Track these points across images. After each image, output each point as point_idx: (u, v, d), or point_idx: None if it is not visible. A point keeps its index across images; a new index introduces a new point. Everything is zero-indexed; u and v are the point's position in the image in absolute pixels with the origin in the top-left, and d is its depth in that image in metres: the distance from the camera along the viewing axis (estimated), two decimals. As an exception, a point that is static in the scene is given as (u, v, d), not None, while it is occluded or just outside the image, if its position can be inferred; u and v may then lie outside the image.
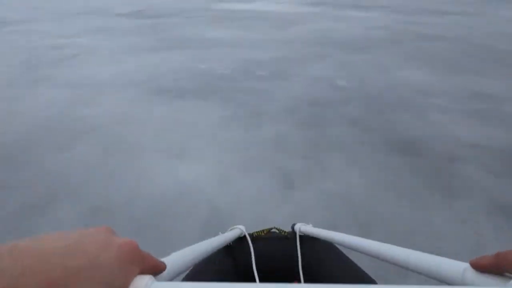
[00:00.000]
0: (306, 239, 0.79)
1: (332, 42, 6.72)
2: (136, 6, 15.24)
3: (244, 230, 0.79)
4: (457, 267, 0.30)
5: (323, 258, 0.73)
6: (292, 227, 0.84)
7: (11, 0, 18.92)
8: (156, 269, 0.32)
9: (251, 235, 0.81)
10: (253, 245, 0.77)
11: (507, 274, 0.26)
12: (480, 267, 0.29)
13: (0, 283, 0.19)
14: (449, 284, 0.30)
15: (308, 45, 6.55)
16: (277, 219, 1.99)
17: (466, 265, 0.30)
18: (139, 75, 4.89)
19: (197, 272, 0.70)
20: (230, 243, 0.78)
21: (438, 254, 1.84)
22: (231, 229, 0.80)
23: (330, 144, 2.85)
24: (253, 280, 0.69)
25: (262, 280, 0.72)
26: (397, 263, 0.39)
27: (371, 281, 0.66)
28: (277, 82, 4.47)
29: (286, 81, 4.49)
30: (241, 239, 0.79)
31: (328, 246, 0.77)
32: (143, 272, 0.29)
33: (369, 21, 9.01)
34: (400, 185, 2.35)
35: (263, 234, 0.83)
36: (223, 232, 0.84)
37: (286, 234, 0.82)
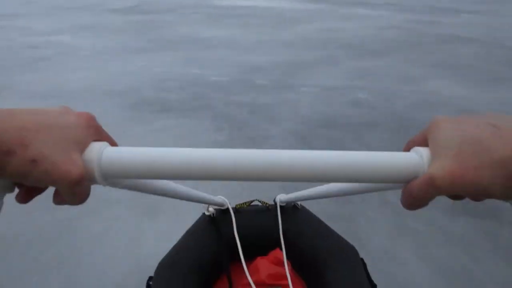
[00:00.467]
0: (287, 209, 0.79)
1: (342, 44, 5.85)
2: (132, 1, 14.28)
3: (227, 202, 0.77)
4: None
5: (303, 226, 0.75)
6: (274, 200, 0.82)
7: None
8: (113, 145, 0.32)
9: (233, 208, 0.79)
10: (236, 217, 0.75)
11: None
12: None
13: None
14: None
15: (314, 47, 5.69)
16: None
17: None
18: (120, 82, 4.04)
19: (180, 242, 0.72)
20: (213, 215, 0.77)
21: None
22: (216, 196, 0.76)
23: (366, 200, 2.01)
24: (237, 251, 0.68)
25: (245, 249, 0.70)
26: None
27: (348, 245, 0.70)
28: (281, 93, 3.62)
29: (292, 93, 3.64)
30: (224, 212, 0.78)
31: (308, 215, 0.79)
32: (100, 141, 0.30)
33: (379, 20, 8.13)
34: None
35: (245, 206, 0.82)
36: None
37: (268, 206, 0.82)
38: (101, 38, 6.82)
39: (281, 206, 0.79)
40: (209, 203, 0.69)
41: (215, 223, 0.76)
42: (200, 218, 0.80)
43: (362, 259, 0.69)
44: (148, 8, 12.21)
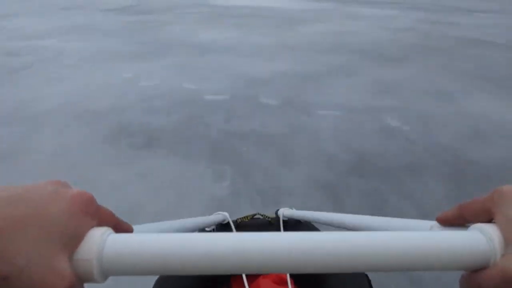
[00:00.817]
0: (290, 223, 0.76)
1: (355, 49, 5.07)
2: (129, 0, 13.44)
3: (228, 217, 0.73)
4: (426, 225, 0.29)
5: None
6: (276, 213, 0.79)
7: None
8: (118, 227, 0.25)
9: (235, 222, 0.75)
10: (237, 232, 0.68)
11: (469, 224, 0.25)
12: (445, 221, 0.27)
13: None
14: None
15: (324, 52, 4.91)
16: None
17: (434, 222, 0.28)
18: (100, 100, 3.27)
19: None
20: (213, 229, 0.73)
21: None
22: (214, 214, 0.72)
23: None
24: None
25: None
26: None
27: None
28: (295, 118, 2.86)
29: (307, 117, 2.89)
30: (224, 226, 0.74)
31: (311, 230, 0.74)
32: (100, 226, 0.23)
33: (389, 20, 7.33)
34: None
35: (247, 220, 0.78)
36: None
37: (270, 219, 0.78)
38: (90, 42, 6.03)
39: (283, 220, 0.74)
40: (211, 224, 0.66)
41: None
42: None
43: (367, 276, 0.62)
44: (145, 8, 11.39)
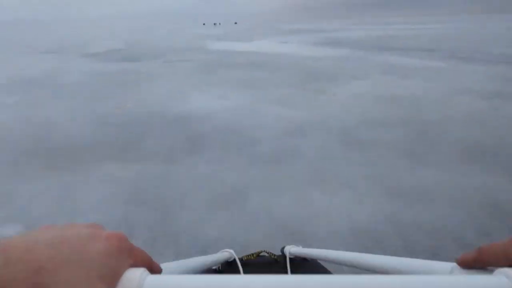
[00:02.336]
0: (296, 262, 0.69)
1: (461, 147, 2.75)
2: (119, 43, 11.45)
3: (234, 254, 0.66)
4: (445, 267, 0.26)
5: None
6: (282, 250, 0.72)
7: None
8: (149, 266, 0.24)
9: (240, 259, 0.68)
10: (243, 270, 0.64)
11: (490, 268, 0.23)
12: (465, 264, 0.24)
13: None
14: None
15: (404, 154, 2.59)
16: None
17: (453, 264, 0.25)
18: None
19: None
20: (218, 268, 0.66)
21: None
22: (220, 252, 0.67)
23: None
24: None
25: None
26: (388, 273, 0.32)
27: None
28: None
29: None
30: (230, 263, 0.67)
31: (318, 268, 0.69)
32: (135, 265, 0.23)
33: (449, 77, 5.15)
34: None
35: (252, 258, 0.72)
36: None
37: (275, 257, 0.71)
38: (21, 112, 3.69)
39: (290, 258, 0.67)
40: (219, 262, 0.60)
41: None
42: (204, 273, 0.64)
43: None
44: (132, 52, 9.30)
